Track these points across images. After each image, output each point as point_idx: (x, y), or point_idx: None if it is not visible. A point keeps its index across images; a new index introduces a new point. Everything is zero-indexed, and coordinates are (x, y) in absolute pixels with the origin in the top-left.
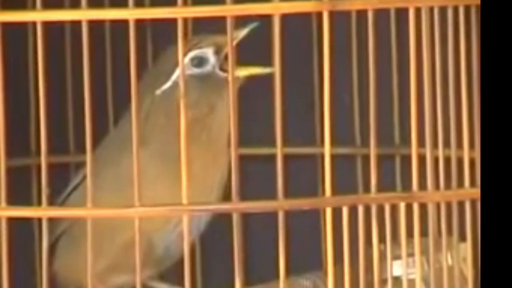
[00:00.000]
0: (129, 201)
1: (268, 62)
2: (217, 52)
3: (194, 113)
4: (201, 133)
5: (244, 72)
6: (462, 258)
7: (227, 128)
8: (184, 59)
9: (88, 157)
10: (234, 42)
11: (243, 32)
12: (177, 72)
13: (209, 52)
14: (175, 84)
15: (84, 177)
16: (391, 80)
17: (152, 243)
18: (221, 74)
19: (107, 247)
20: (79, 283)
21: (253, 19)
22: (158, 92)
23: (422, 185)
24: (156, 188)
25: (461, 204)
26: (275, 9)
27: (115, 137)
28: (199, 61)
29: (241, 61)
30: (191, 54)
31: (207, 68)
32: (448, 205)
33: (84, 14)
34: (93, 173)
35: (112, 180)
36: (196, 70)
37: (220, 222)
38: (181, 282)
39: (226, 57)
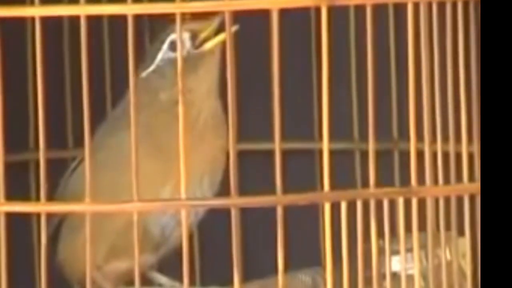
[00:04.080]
0: (120, 184)
1: (267, 58)
2: (193, 37)
3: (171, 95)
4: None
5: (210, 44)
6: (461, 253)
7: (211, 107)
8: (164, 44)
9: (87, 154)
10: (208, 30)
11: (216, 21)
12: (160, 56)
13: (185, 37)
14: (157, 67)
15: (81, 160)
16: (390, 75)
17: (146, 227)
18: (195, 51)
19: (105, 232)
20: (82, 271)
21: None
22: (143, 74)
23: (421, 180)
24: (144, 169)
25: (459, 199)
26: (274, 4)
27: (109, 122)
28: (176, 45)
29: (240, 57)
30: (170, 38)
31: (183, 52)
32: (447, 200)
33: (83, 9)
34: (91, 166)
35: (104, 164)
36: (172, 54)
37: (219, 217)
38: (179, 276)
39: (201, 43)
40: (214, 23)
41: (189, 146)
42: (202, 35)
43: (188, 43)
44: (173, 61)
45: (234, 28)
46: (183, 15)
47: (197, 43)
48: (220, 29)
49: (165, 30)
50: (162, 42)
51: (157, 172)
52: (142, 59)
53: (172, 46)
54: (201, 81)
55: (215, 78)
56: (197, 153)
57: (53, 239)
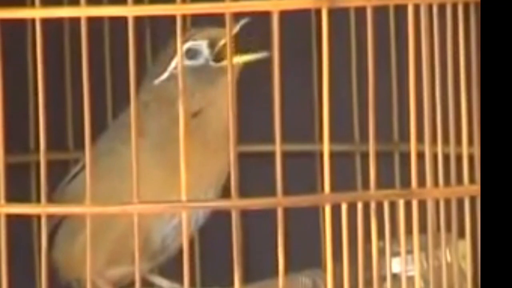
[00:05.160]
0: (127, 191)
1: (267, 60)
2: (211, 45)
3: (190, 105)
4: (200, 127)
5: (239, 59)
6: (461, 255)
7: (225, 121)
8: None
9: (87, 155)
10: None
11: (236, 28)
12: (173, 64)
13: (203, 45)
14: (171, 75)
15: (84, 166)
16: (390, 77)
17: (149, 235)
18: (215, 64)
19: (104, 238)
20: (78, 274)
21: (246, 15)
22: (156, 82)
23: (421, 182)
24: (153, 178)
25: (460, 201)
26: (274, 6)
27: (114, 128)
28: (193, 53)
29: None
30: (186, 46)
31: (200, 60)
32: (447, 202)
33: (83, 11)
34: (92, 167)
35: (110, 169)
36: (189, 62)
37: (219, 219)
38: (180, 279)
39: (219, 50)
40: (233, 30)
41: (201, 161)
42: (220, 43)
43: (206, 51)
44: (189, 69)
45: (238, 26)
46: (184, 17)
47: (216, 50)
48: (241, 41)
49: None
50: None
51: (164, 182)
52: (154, 64)
53: (189, 55)
54: (220, 96)
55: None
56: (208, 168)
57: (49, 242)
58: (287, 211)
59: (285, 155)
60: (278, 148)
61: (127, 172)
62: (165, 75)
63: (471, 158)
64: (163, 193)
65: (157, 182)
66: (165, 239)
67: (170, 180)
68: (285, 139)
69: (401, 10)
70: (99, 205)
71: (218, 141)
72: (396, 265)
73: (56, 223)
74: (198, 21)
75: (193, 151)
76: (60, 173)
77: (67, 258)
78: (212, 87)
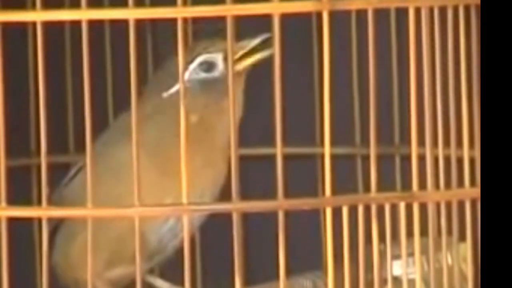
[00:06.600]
0: (121, 193)
1: (268, 62)
2: (226, 58)
3: (202, 117)
4: (205, 135)
5: (244, 63)
6: (462, 257)
7: (229, 129)
8: (193, 64)
9: (88, 157)
10: (244, 51)
11: (255, 42)
12: (187, 76)
13: (218, 58)
14: (184, 88)
15: (79, 169)
16: (391, 79)
17: (144, 236)
18: (225, 72)
19: (101, 240)
20: (76, 275)
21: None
22: (165, 94)
23: (422, 185)
24: (145, 181)
25: (461, 204)
26: (275, 9)
27: (113, 130)
28: (208, 66)
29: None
30: (200, 58)
31: (215, 73)
32: (448, 205)
33: (84, 14)
34: (92, 170)
35: (105, 172)
36: (204, 75)
37: (220, 222)
38: (181, 281)
39: (235, 63)
40: (250, 44)
41: (199, 168)
42: (236, 57)
43: (221, 64)
44: (203, 82)
45: (259, 40)
46: (185, 20)
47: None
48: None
49: (193, 48)
50: (190, 62)
51: (155, 186)
52: (161, 75)
53: (204, 67)
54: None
55: (241, 100)
56: (204, 173)
57: (49, 244)
58: (288, 213)
59: (286, 157)
60: (279, 150)
61: (121, 175)
62: (176, 87)
63: (472, 161)
64: (154, 196)
65: (149, 185)
66: (161, 240)
67: (162, 183)
68: (286, 141)
69: (402, 13)
70: (101, 208)
71: (218, 147)
72: (397, 267)
73: (55, 225)
74: (199, 23)
75: (193, 159)
76: (61, 176)
77: (66, 260)
78: (225, 97)
